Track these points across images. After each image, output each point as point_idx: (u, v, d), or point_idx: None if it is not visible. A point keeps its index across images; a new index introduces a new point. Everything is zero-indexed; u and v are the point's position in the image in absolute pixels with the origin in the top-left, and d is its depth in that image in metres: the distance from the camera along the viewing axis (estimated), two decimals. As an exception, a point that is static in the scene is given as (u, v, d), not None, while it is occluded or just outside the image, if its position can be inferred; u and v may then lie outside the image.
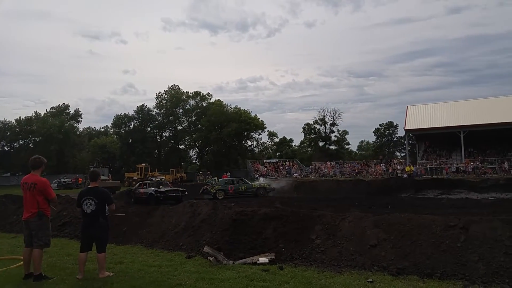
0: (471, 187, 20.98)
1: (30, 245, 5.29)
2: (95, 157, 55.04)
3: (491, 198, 17.04)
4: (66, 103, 66.52)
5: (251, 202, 16.13)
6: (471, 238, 5.20)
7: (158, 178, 25.39)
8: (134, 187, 21.82)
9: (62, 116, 61.90)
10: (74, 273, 5.51)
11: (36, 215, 5.23)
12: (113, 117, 62.88)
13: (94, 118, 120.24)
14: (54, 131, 53.80)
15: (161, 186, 19.79)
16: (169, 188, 19.61)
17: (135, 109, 60.03)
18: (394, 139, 69.29)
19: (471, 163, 32.92)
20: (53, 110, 64.48)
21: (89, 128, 77.19)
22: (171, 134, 62.33)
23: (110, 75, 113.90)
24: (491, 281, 4.61)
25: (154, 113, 60.37)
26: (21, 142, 57.55)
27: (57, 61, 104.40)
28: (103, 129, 75.91)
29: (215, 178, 29.90)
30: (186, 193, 19.54)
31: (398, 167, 37.32)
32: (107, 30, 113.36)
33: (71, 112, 66.46)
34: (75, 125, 65.49)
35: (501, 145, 36.50)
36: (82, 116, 67.81)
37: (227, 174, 39.49)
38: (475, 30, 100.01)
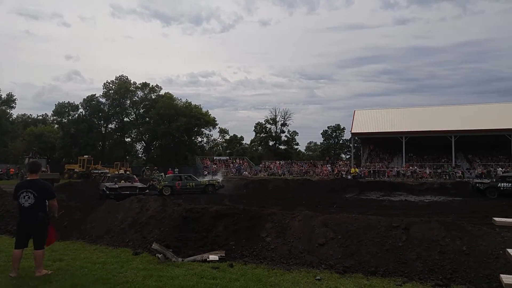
0: (409, 190, 22.54)
1: None
2: (31, 147, 51.22)
3: (427, 201, 18.21)
4: (-4, 86, 61.37)
5: (199, 199, 15.94)
6: (412, 238, 5.56)
7: (121, 171, 23.47)
8: (100, 181, 19.99)
9: (-8, 101, 57.09)
10: (7, 270, 5.14)
11: None
12: (54, 105, 59.22)
13: (31, 105, 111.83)
14: (-18, 116, 49.56)
15: (122, 181, 17.58)
16: (124, 185, 17.26)
17: (85, 98, 56.91)
18: (341, 142, 72.15)
19: (410, 167, 35.20)
20: (-19, 93, 59.14)
21: (24, 115, 71.84)
22: (117, 126, 59.81)
23: (50, 60, 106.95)
24: (426, 277, 4.97)
25: (101, 104, 57.60)
26: None
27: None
28: (41, 117, 70.94)
29: (162, 174, 29.14)
30: (147, 190, 17.85)
31: (343, 168, 38.90)
32: (47, 10, 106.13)
33: (3, 96, 61.25)
34: (8, 111, 60.62)
35: (437, 151, 39.40)
36: (16, 101, 62.75)
37: (175, 170, 38.73)
38: (418, 41, 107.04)
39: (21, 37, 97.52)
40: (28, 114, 72.71)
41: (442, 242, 5.37)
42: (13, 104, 62.26)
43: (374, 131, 40.02)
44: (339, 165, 41.48)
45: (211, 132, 62.60)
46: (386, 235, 5.69)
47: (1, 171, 38.09)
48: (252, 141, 70.50)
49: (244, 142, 71.04)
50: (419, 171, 34.34)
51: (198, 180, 23.04)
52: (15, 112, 65.00)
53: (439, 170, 34.77)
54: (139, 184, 16.93)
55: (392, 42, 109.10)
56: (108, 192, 16.16)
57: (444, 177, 32.88)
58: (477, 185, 20.70)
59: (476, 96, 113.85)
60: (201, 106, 60.12)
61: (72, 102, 58.03)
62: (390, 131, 38.76)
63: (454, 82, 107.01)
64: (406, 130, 37.55)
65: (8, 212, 8.87)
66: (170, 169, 38.84)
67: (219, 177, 27.77)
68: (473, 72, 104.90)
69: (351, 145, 48.40)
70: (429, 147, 39.60)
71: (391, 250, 5.47)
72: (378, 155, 43.00)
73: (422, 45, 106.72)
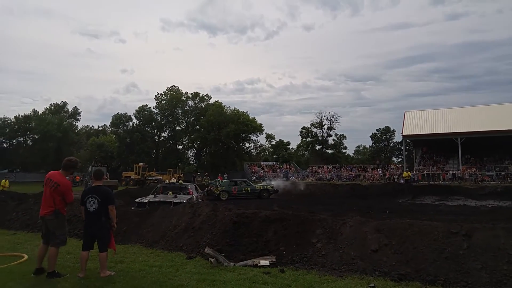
0: (468, 194, 20.99)
1: (47, 243, 5.40)
2: (93, 156, 54.88)
3: (489, 206, 16.83)
4: (64, 101, 66.53)
5: (249, 205, 16.10)
6: (474, 246, 5.20)
7: (173, 180, 22.45)
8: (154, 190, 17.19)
9: (61, 114, 61.82)
10: (76, 271, 5.50)
11: (52, 213, 5.33)
12: (111, 117, 62.93)
13: (93, 116, 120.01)
14: (52, 128, 53.73)
15: (170, 193, 15.32)
16: (155, 199, 14.23)
17: (137, 109, 60.10)
18: (391, 144, 69.56)
19: (468, 170, 33.04)
20: (52, 108, 64.39)
21: (87, 126, 77.13)
22: (169, 134, 62.25)
23: (108, 74, 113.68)
24: (494, 290, 4.60)
25: (153, 114, 60.35)
26: (19, 139, 57.35)
27: (55, 59, 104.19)
28: (101, 128, 75.75)
29: (219, 179, 29.92)
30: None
31: (395, 172, 37.44)
32: (106, 29, 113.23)
33: (69, 110, 66.46)
34: (74, 123, 65.49)
35: (498, 152, 36.64)
36: (80, 114, 67.82)
37: (224, 176, 39.45)
38: (473, 36, 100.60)
39: (83, 55, 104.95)
40: (91, 126, 78.09)
41: (510, 251, 4.95)
42: (78, 117, 67.46)
43: (427, 133, 38.01)
44: (391, 169, 40.00)
45: (258, 138, 63.22)
46: (445, 242, 5.38)
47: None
48: (298, 146, 70.12)
49: (290, 147, 70.84)
50: (479, 174, 32.07)
51: (253, 185, 23.43)
52: (79, 124, 70.19)
53: (502, 173, 32.16)
54: (175, 199, 14.26)
55: (443, 39, 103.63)
56: (135, 208, 13.29)
57: (509, 180, 30.41)
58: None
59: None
60: (248, 112, 61.09)
61: (125, 112, 61.41)
62: (444, 132, 36.68)
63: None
64: (462, 131, 35.25)
65: (76, 216, 9.49)
66: (219, 174, 39.60)
67: (270, 182, 27.94)
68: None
69: (402, 148, 46.41)
70: (490, 148, 36.67)
71: (451, 258, 5.16)
72: (431, 157, 40.83)
73: (478, 40, 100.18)
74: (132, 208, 12.50)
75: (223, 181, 25.47)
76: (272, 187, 23.55)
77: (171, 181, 21.19)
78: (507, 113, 35.53)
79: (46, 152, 51.66)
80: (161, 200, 14.05)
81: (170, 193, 15.54)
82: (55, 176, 5.48)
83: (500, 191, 21.14)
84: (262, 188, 22.86)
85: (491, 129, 34.03)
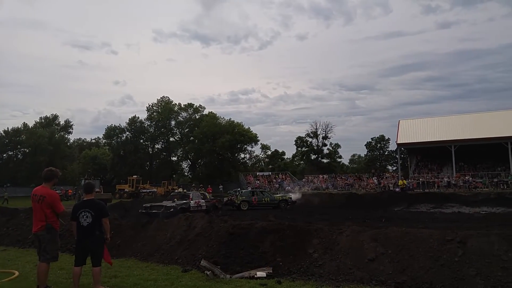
0: (463, 201, 21.27)
1: None
2: (86, 169, 54.40)
3: (483, 212, 17.10)
4: (55, 114, 65.63)
5: (245, 215, 16.02)
6: (469, 253, 5.24)
7: (180, 189, 24.54)
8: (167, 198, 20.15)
9: (52, 127, 61.04)
10: (68, 287, 5.41)
11: (44, 228, 5.20)
12: (104, 129, 62.61)
13: (86, 129, 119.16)
14: (43, 142, 53.07)
15: (175, 199, 18.04)
16: (154, 204, 17.29)
17: (127, 121, 59.90)
18: (386, 153, 69.90)
19: (462, 177, 33.34)
20: (42, 121, 63.45)
21: (79, 139, 76.57)
22: (163, 146, 62.05)
23: (100, 86, 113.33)
24: (489, 296, 4.63)
25: (146, 125, 60.11)
26: (10, 153, 56.59)
27: (46, 71, 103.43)
28: (94, 141, 75.24)
29: (239, 189, 30.16)
30: (172, 210, 15.90)
31: (391, 181, 37.58)
32: (97, 40, 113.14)
33: (61, 123, 65.58)
34: (66, 136, 64.70)
35: (491, 159, 37.07)
36: (73, 127, 67.06)
37: (219, 187, 39.30)
38: (465, 44, 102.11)
39: (75, 67, 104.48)
40: (83, 138, 77.55)
41: (504, 257, 5.01)
42: (70, 130, 66.56)
43: (421, 141, 38.48)
44: (386, 178, 40.15)
45: (253, 149, 63.27)
46: (440, 249, 5.42)
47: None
48: (293, 156, 70.24)
49: (285, 157, 70.96)
50: (473, 181, 32.36)
51: (272, 196, 23.86)
52: (72, 137, 69.41)
53: (495, 180, 32.56)
54: (169, 203, 16.98)
55: (435, 47, 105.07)
56: (141, 211, 16.78)
57: (501, 187, 30.75)
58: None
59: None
60: (243, 123, 61.18)
61: (119, 125, 61.15)
62: (437, 140, 37.10)
63: (508, 85, 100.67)
64: (455, 139, 35.74)
65: (68, 231, 9.30)
66: (208, 186, 39.38)
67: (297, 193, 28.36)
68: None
69: (397, 156, 46.74)
70: (482, 155, 37.20)
71: (447, 265, 5.19)
72: (426, 165, 41.12)
73: (469, 48, 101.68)
74: (139, 211, 16.05)
75: (243, 191, 25.54)
76: (290, 198, 23.83)
77: (178, 191, 24.57)
78: (498, 120, 36.24)
79: (37, 166, 50.90)
80: (157, 204, 17.13)
81: (175, 199, 18.14)
82: (39, 190, 5.34)
83: (493, 198, 21.51)
84: (281, 198, 23.19)
85: (483, 136, 34.58)
